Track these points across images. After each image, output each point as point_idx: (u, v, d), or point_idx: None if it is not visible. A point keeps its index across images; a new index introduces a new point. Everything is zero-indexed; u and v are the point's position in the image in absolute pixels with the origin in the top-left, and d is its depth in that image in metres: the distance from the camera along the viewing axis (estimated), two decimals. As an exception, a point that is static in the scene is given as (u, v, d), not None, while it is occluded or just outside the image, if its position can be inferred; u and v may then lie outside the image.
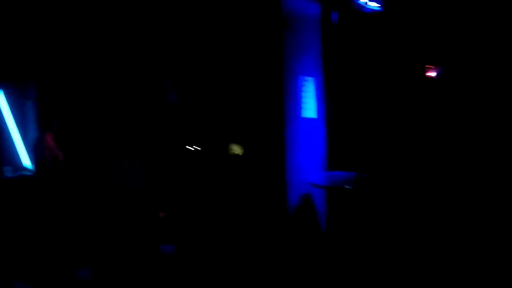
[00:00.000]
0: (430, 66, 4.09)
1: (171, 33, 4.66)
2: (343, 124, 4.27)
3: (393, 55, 4.15)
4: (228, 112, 4.32)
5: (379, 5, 4.16)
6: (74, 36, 4.69)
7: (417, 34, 4.02)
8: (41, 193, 4.04)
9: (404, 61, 4.10)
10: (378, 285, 3.32)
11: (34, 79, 5.05)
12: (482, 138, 3.47)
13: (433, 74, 4.05)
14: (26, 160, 5.02)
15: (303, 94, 4.14)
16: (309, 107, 4.17)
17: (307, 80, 4.20)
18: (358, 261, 3.56)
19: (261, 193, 3.86)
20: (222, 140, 4.34)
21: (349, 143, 4.19)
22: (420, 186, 3.50)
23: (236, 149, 4.20)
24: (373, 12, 4.18)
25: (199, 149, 4.47)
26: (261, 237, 3.80)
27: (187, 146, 4.52)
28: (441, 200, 3.43)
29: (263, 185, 3.86)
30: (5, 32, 4.77)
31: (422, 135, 3.74)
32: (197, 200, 4.28)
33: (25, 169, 4.98)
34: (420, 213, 3.46)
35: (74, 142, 4.33)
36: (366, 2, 4.13)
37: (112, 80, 4.54)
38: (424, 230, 3.37)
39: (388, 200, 3.62)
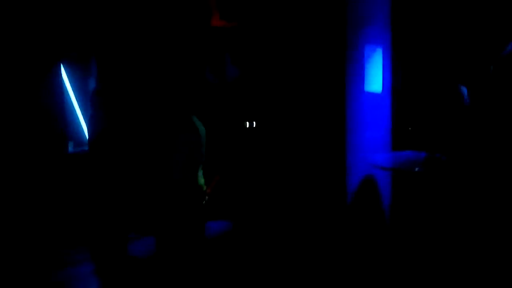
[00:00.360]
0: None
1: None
2: (412, 98, 3.80)
3: (478, 18, 3.58)
4: (287, 86, 4.01)
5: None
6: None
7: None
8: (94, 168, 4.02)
9: (491, 25, 3.53)
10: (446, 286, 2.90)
11: (95, 54, 5.04)
12: None
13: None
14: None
15: (368, 65, 3.72)
16: (374, 80, 3.74)
17: (373, 50, 3.77)
18: (426, 258, 3.15)
19: (318, 175, 3.54)
20: (279, 115, 4.05)
21: (418, 119, 3.73)
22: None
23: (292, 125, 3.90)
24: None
25: (256, 125, 4.22)
26: (317, 224, 3.50)
27: (244, 123, 4.30)
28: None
29: (321, 166, 3.54)
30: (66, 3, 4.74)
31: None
32: (251, 177, 4.06)
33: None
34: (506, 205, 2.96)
35: (128, 119, 4.23)
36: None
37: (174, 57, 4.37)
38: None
39: (467, 186, 3.14)
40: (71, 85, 5.34)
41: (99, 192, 3.99)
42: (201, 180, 3.52)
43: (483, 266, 2.80)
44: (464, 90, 3.64)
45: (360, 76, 3.66)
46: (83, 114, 5.15)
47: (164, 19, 4.20)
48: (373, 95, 3.72)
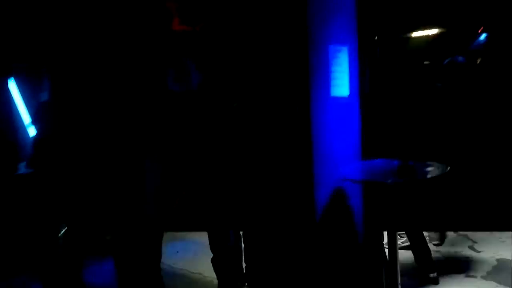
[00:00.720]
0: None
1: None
2: (382, 101, 3.54)
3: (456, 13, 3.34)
4: (249, 92, 3.71)
5: None
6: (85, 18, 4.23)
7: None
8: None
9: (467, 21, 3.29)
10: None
11: (46, 66, 4.70)
12: None
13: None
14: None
15: (333, 68, 3.44)
16: (341, 83, 3.46)
17: (338, 50, 3.49)
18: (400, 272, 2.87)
19: (283, 190, 3.24)
20: (240, 124, 3.75)
21: (390, 124, 3.46)
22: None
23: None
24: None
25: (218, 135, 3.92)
26: (283, 243, 3.19)
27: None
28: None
29: (286, 180, 3.23)
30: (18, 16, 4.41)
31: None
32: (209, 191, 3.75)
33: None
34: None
35: (81, 137, 3.87)
36: None
37: (130, 65, 4.05)
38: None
39: (445, 195, 2.87)
40: (23, 101, 5.01)
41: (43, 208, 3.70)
42: None
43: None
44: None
45: (325, 80, 3.37)
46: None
47: (118, 25, 3.88)
48: (340, 99, 3.43)
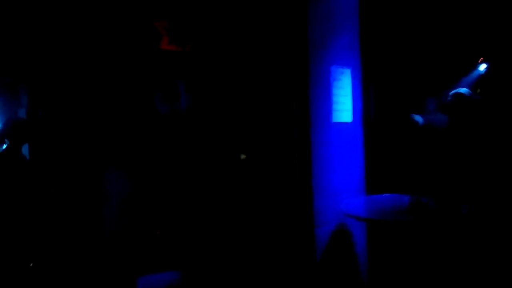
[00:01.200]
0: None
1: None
2: (389, 128, 3.22)
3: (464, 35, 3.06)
4: (243, 118, 3.40)
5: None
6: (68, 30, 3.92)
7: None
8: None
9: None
10: None
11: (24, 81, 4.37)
12: None
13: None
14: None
15: (336, 91, 3.13)
16: (343, 108, 3.14)
17: (340, 72, 3.19)
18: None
19: (280, 226, 2.88)
20: (234, 151, 3.41)
21: (397, 155, 3.13)
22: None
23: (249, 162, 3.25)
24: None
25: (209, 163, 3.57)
26: (281, 283, 2.81)
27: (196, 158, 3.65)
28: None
29: (283, 214, 2.88)
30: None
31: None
32: (200, 224, 3.37)
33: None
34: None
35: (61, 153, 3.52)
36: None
37: (114, 85, 3.74)
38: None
39: (468, 238, 2.51)
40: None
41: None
42: None
43: None
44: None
45: (326, 104, 3.06)
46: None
47: (102, 42, 3.58)
48: (343, 126, 3.11)
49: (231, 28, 3.54)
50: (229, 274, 3.16)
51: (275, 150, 3.06)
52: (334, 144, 3.03)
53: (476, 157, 2.72)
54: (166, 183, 3.47)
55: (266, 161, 3.10)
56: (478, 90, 3.95)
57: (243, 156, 3.36)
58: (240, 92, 3.49)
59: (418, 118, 3.17)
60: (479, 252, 2.37)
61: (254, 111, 3.23)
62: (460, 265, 2.42)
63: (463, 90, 2.99)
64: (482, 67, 4.12)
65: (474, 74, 4.08)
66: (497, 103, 3.04)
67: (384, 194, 2.95)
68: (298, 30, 3.04)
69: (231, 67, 3.59)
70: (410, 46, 3.29)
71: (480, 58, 4.09)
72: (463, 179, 2.59)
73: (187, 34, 3.80)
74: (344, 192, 2.98)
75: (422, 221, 2.41)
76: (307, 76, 3.03)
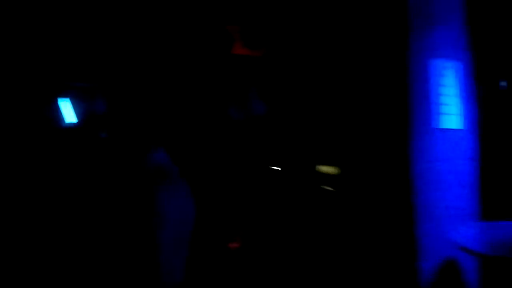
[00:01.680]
0: None
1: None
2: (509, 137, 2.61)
3: None
4: (325, 125, 3.01)
5: None
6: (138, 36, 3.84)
7: None
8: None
9: None
10: None
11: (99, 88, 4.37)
12: None
13: None
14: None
15: (441, 90, 2.56)
16: (451, 111, 2.57)
17: (446, 66, 2.61)
18: None
19: (376, 258, 2.39)
20: (314, 164, 3.00)
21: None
22: None
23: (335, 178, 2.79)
24: None
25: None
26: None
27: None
28: None
29: (378, 242, 2.39)
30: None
31: None
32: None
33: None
34: None
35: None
36: None
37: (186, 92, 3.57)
38: None
39: None
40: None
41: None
42: None
43: None
44: None
45: (430, 107, 2.51)
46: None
47: (175, 46, 3.38)
48: (450, 133, 2.54)
49: (307, 32, 3.30)
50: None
51: (366, 163, 2.56)
52: (440, 156, 2.47)
53: None
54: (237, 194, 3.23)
55: (357, 176, 2.61)
56: None
57: (324, 169, 2.91)
58: (318, 97, 3.12)
59: None
60: None
61: (340, 117, 2.76)
62: None
63: None
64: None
65: None
66: None
67: (504, 222, 2.36)
68: (396, 23, 2.54)
69: (308, 72, 3.34)
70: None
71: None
72: None
73: (261, 39, 3.68)
74: (452, 216, 2.42)
75: None
76: (404, 72, 2.51)
